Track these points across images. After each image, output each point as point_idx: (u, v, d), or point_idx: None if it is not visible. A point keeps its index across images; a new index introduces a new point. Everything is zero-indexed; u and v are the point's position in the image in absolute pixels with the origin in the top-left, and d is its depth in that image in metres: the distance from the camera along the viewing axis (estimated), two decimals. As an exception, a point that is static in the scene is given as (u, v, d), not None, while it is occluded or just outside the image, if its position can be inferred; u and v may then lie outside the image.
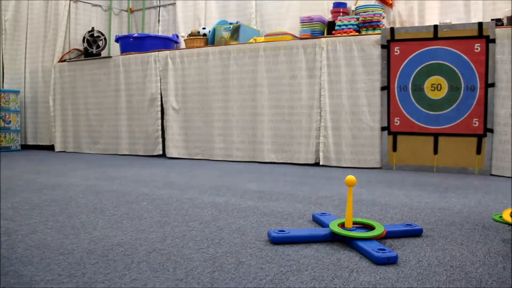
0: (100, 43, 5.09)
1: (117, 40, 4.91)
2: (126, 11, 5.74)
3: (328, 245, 1.36)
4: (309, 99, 3.71)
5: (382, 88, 3.49)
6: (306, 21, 4.03)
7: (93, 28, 5.09)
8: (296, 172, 3.26)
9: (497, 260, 1.23)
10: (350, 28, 3.75)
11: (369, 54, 3.51)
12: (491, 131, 3.18)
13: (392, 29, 3.47)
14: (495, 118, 3.17)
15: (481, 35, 3.18)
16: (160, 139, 4.43)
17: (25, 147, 5.43)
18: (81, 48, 5.15)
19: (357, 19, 3.76)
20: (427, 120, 3.36)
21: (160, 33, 5.43)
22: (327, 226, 1.47)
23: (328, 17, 4.16)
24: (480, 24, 3.20)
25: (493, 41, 3.14)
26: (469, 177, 3.08)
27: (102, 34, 5.12)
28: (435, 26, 3.34)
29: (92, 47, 5.03)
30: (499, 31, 3.13)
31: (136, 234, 1.47)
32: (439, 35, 3.31)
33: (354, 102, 3.57)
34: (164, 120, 4.38)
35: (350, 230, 1.39)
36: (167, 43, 4.75)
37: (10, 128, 5.17)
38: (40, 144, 5.36)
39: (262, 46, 3.92)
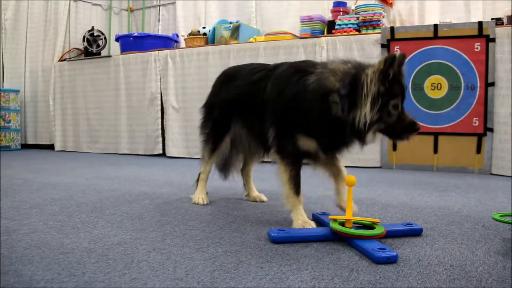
0: (100, 42, 5.08)
1: (117, 39, 4.91)
2: (126, 10, 5.74)
3: (328, 244, 1.36)
4: (309, 98, 3.70)
5: (382, 88, 3.48)
6: (306, 20, 4.03)
7: (93, 27, 5.09)
8: (296, 171, 3.25)
9: (497, 259, 1.23)
10: (350, 27, 3.75)
11: (369, 53, 3.51)
12: (491, 130, 3.18)
13: (392, 28, 3.46)
14: (495, 117, 3.17)
15: (481, 34, 3.17)
16: (160, 138, 4.43)
17: (25, 146, 5.43)
18: (81, 47, 5.14)
19: (357, 18, 3.76)
20: (427, 120, 3.36)
21: (160, 32, 5.43)
22: (327, 225, 1.47)
23: (328, 16, 4.16)
24: (480, 23, 3.19)
25: (493, 40, 3.14)
26: (469, 176, 3.08)
27: (102, 33, 5.12)
28: (435, 25, 3.34)
29: (92, 46, 5.03)
30: (499, 30, 3.13)
31: (136, 233, 1.47)
32: (439, 34, 3.31)
33: (354, 102, 3.56)
34: (164, 119, 4.38)
35: (350, 229, 1.39)
36: (167, 42, 4.74)
37: (10, 127, 5.17)
38: (40, 143, 5.36)
39: (262, 45, 3.91)
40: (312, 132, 1.56)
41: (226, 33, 4.28)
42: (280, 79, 1.64)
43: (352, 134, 1.47)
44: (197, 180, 2.09)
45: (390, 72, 1.40)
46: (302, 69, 1.59)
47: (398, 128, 1.47)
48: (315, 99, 1.50)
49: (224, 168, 2.12)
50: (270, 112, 1.66)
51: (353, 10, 3.98)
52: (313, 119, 1.53)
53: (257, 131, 1.81)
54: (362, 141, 1.48)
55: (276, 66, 1.75)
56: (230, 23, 4.39)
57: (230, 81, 1.95)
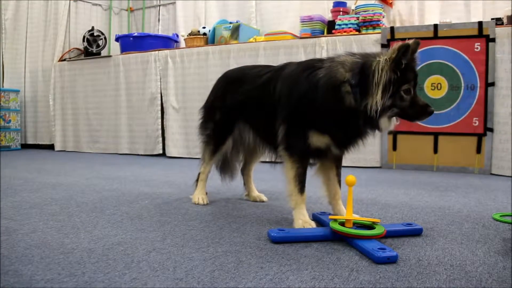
0: (100, 42, 5.08)
1: (117, 39, 4.91)
2: (126, 10, 5.74)
3: (328, 244, 1.36)
4: (309, 98, 3.70)
5: (382, 87, 3.48)
6: (306, 20, 4.03)
7: (93, 27, 5.09)
8: (296, 171, 3.25)
9: (497, 259, 1.23)
10: (350, 28, 3.75)
11: (369, 53, 3.51)
12: (491, 130, 3.18)
13: (392, 28, 3.46)
14: (495, 117, 3.17)
15: (481, 34, 3.17)
16: (160, 138, 4.43)
17: (25, 146, 5.43)
18: (81, 47, 5.14)
19: (357, 18, 3.76)
20: (427, 120, 3.35)
21: (160, 32, 5.43)
22: (327, 225, 1.47)
23: (328, 16, 4.16)
24: (480, 23, 3.19)
25: (493, 40, 3.14)
26: (469, 176, 3.08)
27: (102, 33, 5.12)
28: (435, 25, 3.34)
29: (92, 46, 5.03)
30: (499, 30, 3.13)
31: (136, 233, 1.47)
32: (439, 34, 3.31)
33: (354, 101, 3.56)
34: (164, 119, 4.38)
35: (350, 229, 1.39)
36: (167, 42, 4.74)
37: (10, 127, 5.17)
38: (40, 143, 5.36)
39: (262, 45, 3.91)
40: (325, 126, 1.53)
41: (226, 33, 4.28)
42: (290, 78, 1.64)
43: (366, 123, 1.46)
44: (197, 180, 2.09)
45: (403, 61, 1.40)
46: (311, 65, 1.59)
47: (412, 112, 1.49)
48: (327, 92, 1.49)
49: (225, 169, 2.12)
50: (280, 111, 1.63)
51: (353, 10, 3.98)
52: (326, 112, 1.51)
53: (265, 132, 1.79)
54: (377, 128, 1.48)
55: (283, 67, 1.74)
56: (230, 23, 4.39)
57: (234, 84, 1.93)
